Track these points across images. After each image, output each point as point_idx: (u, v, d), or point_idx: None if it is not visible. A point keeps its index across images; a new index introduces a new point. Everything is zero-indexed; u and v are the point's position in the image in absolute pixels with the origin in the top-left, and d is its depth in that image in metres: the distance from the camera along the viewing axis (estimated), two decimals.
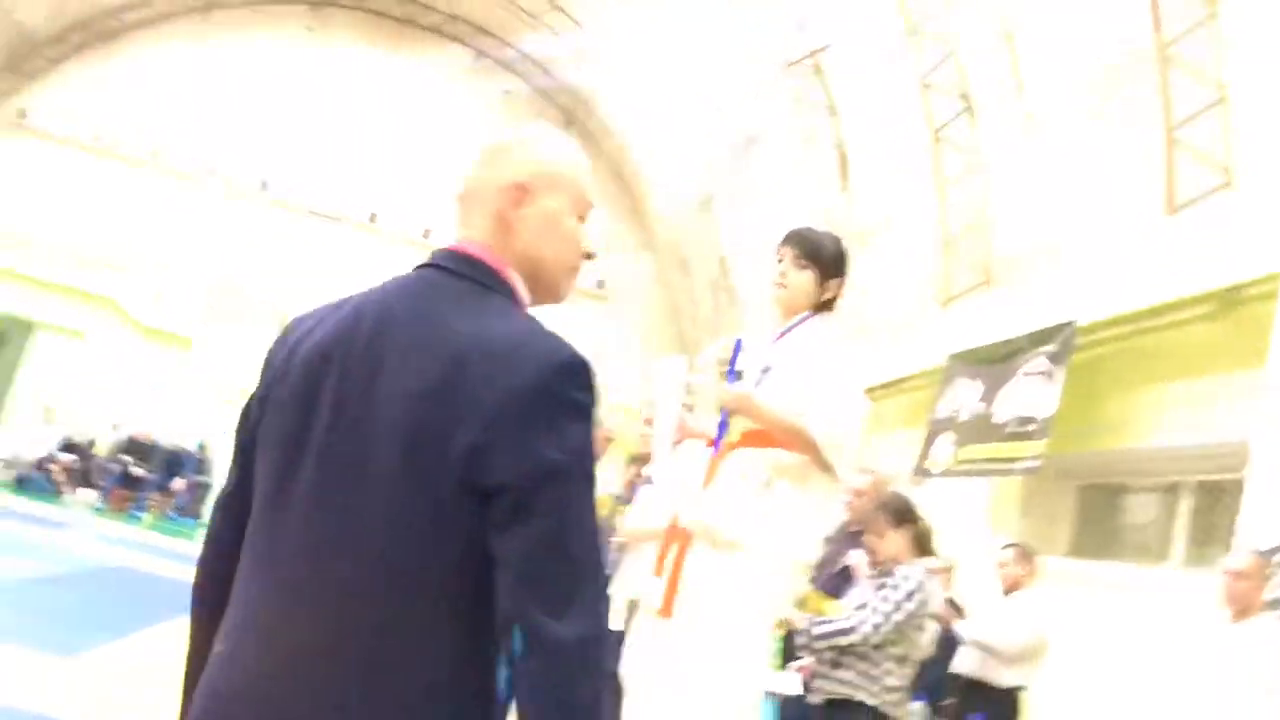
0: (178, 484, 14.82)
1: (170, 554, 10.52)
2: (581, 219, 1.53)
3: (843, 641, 3.78)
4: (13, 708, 4.26)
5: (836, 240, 3.09)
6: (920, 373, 9.23)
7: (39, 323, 18.75)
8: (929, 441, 8.30)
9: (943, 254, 9.38)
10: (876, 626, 3.76)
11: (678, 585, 2.83)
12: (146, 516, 14.00)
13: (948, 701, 5.52)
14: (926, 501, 8.78)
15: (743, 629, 2.76)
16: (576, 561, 1.30)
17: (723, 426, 2.96)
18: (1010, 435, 7.00)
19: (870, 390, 10.50)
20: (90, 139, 18.85)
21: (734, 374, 2.96)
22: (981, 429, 7.44)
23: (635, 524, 3.78)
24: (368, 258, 18.73)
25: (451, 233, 1.53)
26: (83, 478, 14.05)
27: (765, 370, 2.92)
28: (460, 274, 1.45)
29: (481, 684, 1.33)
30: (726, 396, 2.89)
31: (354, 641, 1.30)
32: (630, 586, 3.18)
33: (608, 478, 5.19)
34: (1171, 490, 6.40)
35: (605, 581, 1.52)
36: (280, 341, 1.50)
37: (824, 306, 2.98)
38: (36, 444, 14.10)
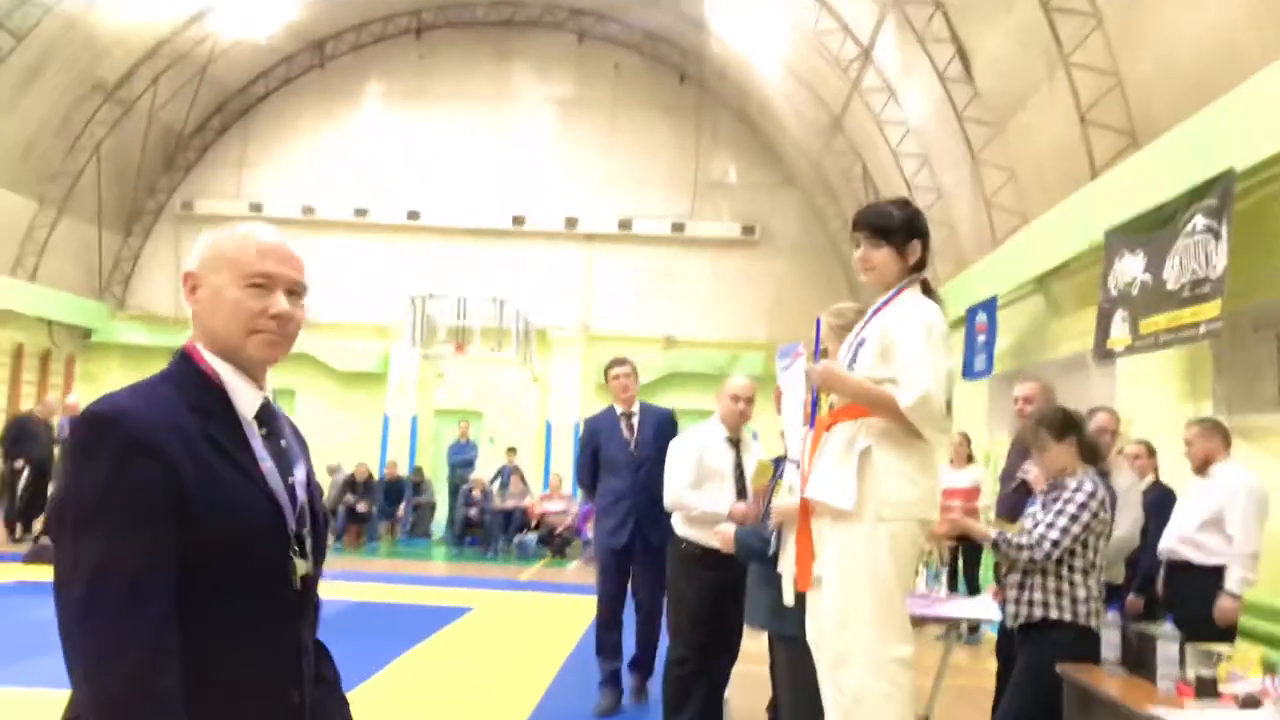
0: (401, 510, 15.81)
1: (404, 578, 11.31)
2: (256, 286, 1.72)
3: (1023, 559, 3.79)
4: None
5: (903, 203, 3.15)
6: (1084, 251, 8.86)
7: None
8: (1103, 321, 7.99)
9: (1080, 126, 8.93)
10: (1055, 544, 3.74)
11: (808, 559, 2.94)
12: (380, 545, 15.02)
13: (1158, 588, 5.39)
14: (1116, 383, 8.52)
15: (869, 595, 2.83)
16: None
17: (814, 404, 3.05)
18: (1186, 300, 6.66)
19: (1040, 276, 10.17)
20: (249, 210, 20.12)
21: (819, 352, 3.07)
22: (1155, 299, 7.10)
23: (779, 503, 3.89)
24: (515, 261, 19.38)
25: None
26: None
27: (860, 344, 2.99)
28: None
29: None
30: (812, 374, 3.00)
31: None
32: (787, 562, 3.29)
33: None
34: None
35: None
36: None
37: (915, 269, 3.04)
38: None
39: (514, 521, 14.83)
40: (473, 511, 15.12)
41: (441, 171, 19.72)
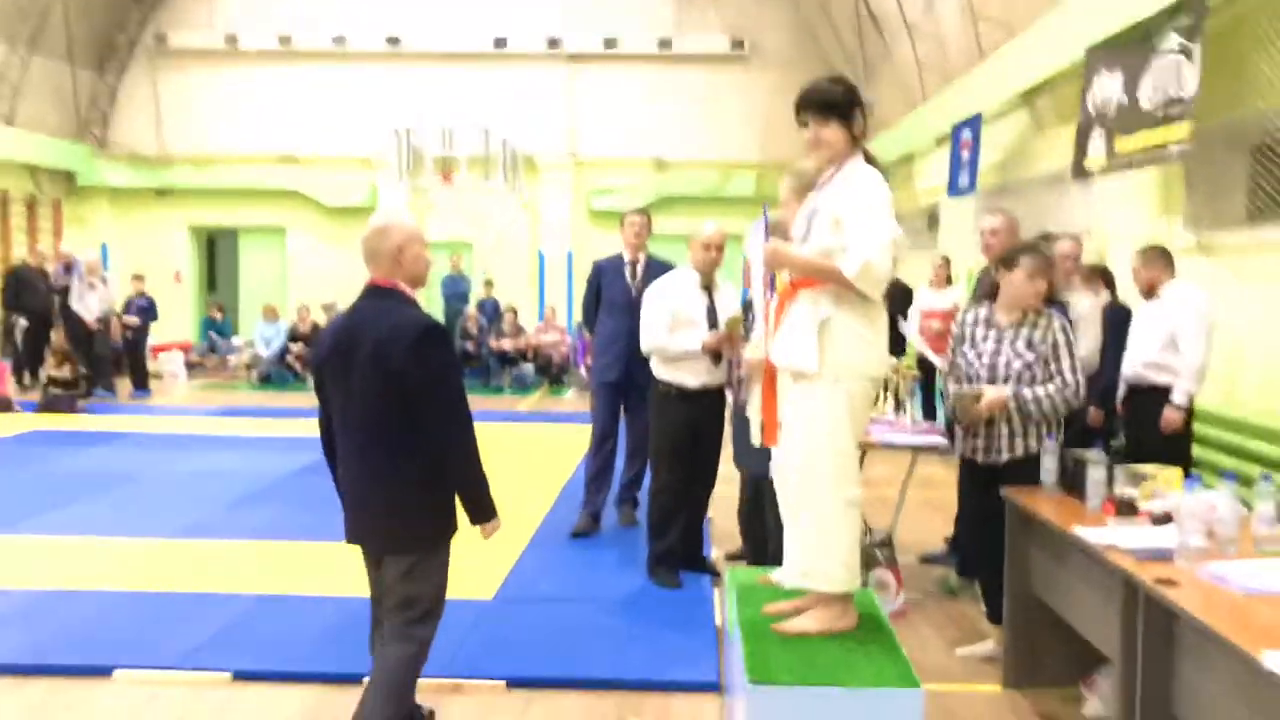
0: None
1: None
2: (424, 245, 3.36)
3: (1068, 407, 4.25)
4: (291, 594, 5.15)
5: (839, 79, 3.27)
6: (1067, 67, 8.78)
7: (243, 228, 20.35)
8: (1081, 140, 8.00)
9: None
10: (1079, 384, 4.19)
11: (774, 415, 3.18)
12: None
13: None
14: (1093, 200, 8.60)
15: (828, 447, 3.07)
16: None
17: (773, 276, 3.24)
18: (1159, 120, 6.68)
19: (1024, 92, 10.10)
20: (224, 43, 19.62)
21: (767, 233, 3.24)
22: (1130, 118, 7.10)
23: (748, 355, 4.16)
24: (499, 87, 19.02)
25: None
26: None
27: (814, 214, 3.16)
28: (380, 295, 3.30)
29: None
30: (764, 253, 3.18)
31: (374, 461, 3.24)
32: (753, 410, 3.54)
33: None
34: None
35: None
36: (322, 336, 3.51)
37: (857, 140, 3.18)
38: (268, 340, 15.59)
39: (509, 355, 15.15)
40: (469, 345, 15.43)
41: None
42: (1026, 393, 4.16)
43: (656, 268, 6.12)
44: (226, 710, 3.94)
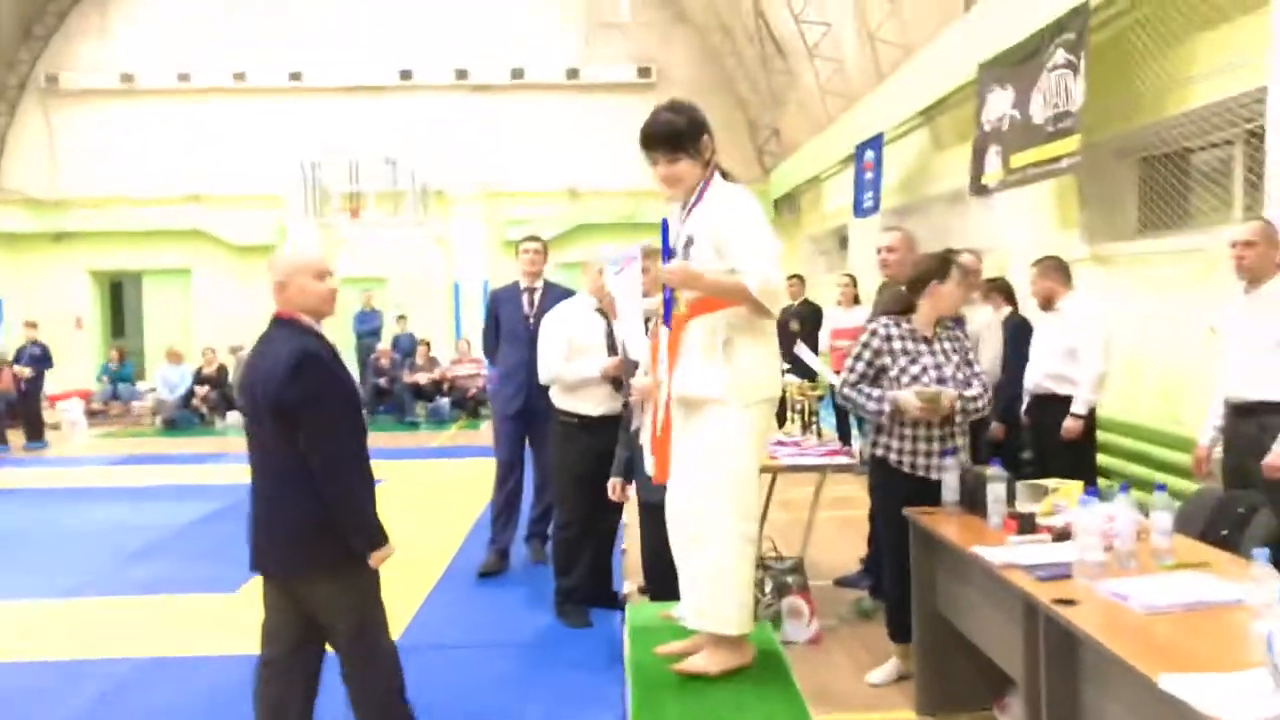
0: None
1: None
2: (319, 278, 3.30)
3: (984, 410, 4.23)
4: (179, 656, 4.87)
5: (679, 106, 3.13)
6: (963, 84, 8.90)
7: (147, 270, 19.76)
8: (978, 157, 8.09)
9: None
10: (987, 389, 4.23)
11: (666, 450, 3.09)
12: None
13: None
14: (993, 216, 8.70)
15: (730, 478, 2.97)
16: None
17: (668, 303, 3.13)
18: (1050, 135, 6.76)
19: (923, 111, 10.22)
20: (119, 82, 19.11)
21: (668, 253, 3.13)
22: (1023, 134, 7.19)
23: (637, 382, 4.05)
24: (406, 119, 18.79)
25: None
26: (224, 403, 15.05)
27: (688, 244, 3.07)
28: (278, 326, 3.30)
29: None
30: (667, 274, 3.05)
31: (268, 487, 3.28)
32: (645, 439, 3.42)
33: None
34: (1225, 146, 6.15)
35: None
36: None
37: (709, 165, 3.11)
38: (173, 385, 15.09)
39: (424, 390, 14.87)
40: (382, 381, 15.11)
41: (322, 28, 18.82)
42: (968, 393, 4.11)
43: (555, 295, 5.98)
44: None
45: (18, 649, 5.01)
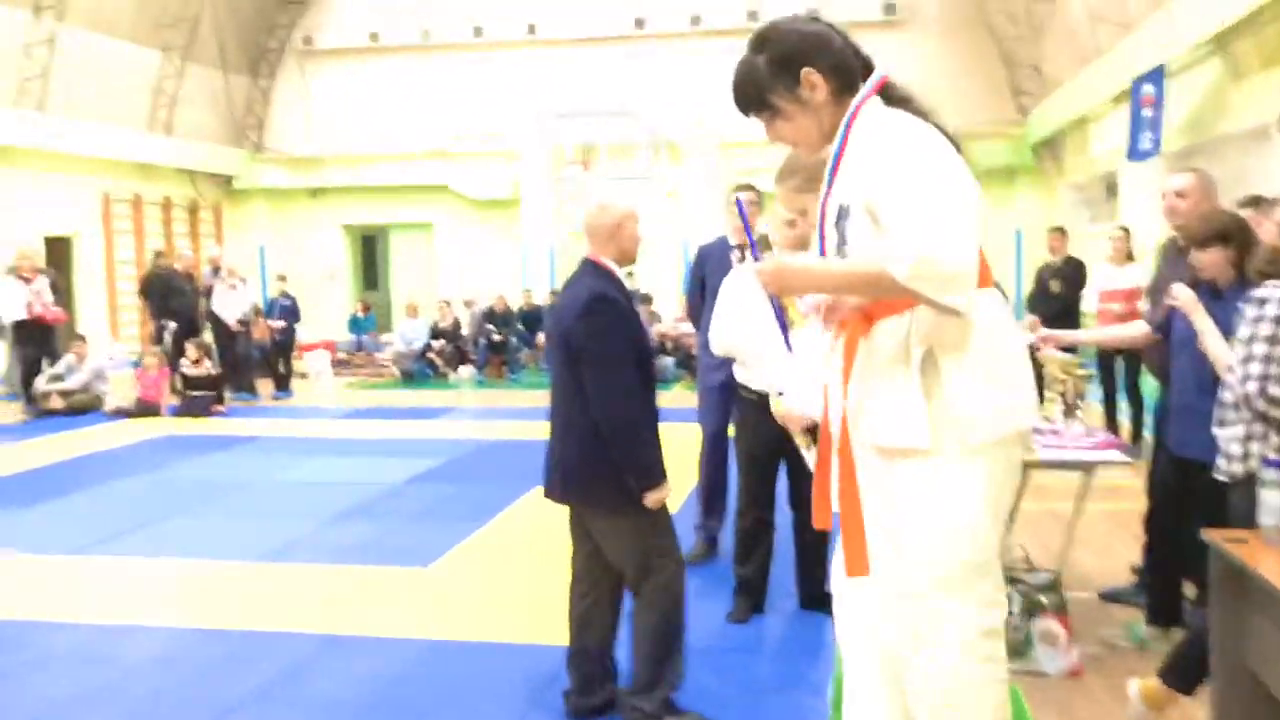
0: (540, 339, 15.73)
1: (540, 413, 11.21)
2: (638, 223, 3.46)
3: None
4: (359, 636, 4.60)
5: (765, 39, 2.21)
6: (1266, 2, 7.45)
7: (394, 225, 20.46)
8: None
9: None
10: (1259, 388, 3.20)
11: (826, 496, 2.26)
12: (523, 376, 15.07)
13: None
14: None
15: (957, 555, 2.11)
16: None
17: (779, 313, 2.38)
18: None
19: (1216, 36, 8.73)
20: (368, 40, 19.68)
21: (755, 246, 2.45)
22: None
23: (778, 410, 3.57)
24: (639, 69, 18.35)
25: None
26: (458, 357, 15.27)
27: (840, 217, 2.18)
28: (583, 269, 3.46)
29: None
30: (762, 278, 2.17)
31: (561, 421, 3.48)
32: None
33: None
34: None
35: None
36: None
37: (841, 88, 2.18)
38: (409, 338, 15.45)
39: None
40: None
41: None
42: None
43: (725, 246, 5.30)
44: None
45: (213, 615, 4.91)
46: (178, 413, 11.33)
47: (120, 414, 11.34)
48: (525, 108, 18.04)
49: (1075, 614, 4.26)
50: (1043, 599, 4.10)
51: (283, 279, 15.00)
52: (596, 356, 3.27)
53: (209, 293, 13.26)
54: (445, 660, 4.27)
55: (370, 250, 21.18)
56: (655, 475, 3.32)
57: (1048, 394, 4.61)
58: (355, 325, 17.07)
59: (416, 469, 8.23)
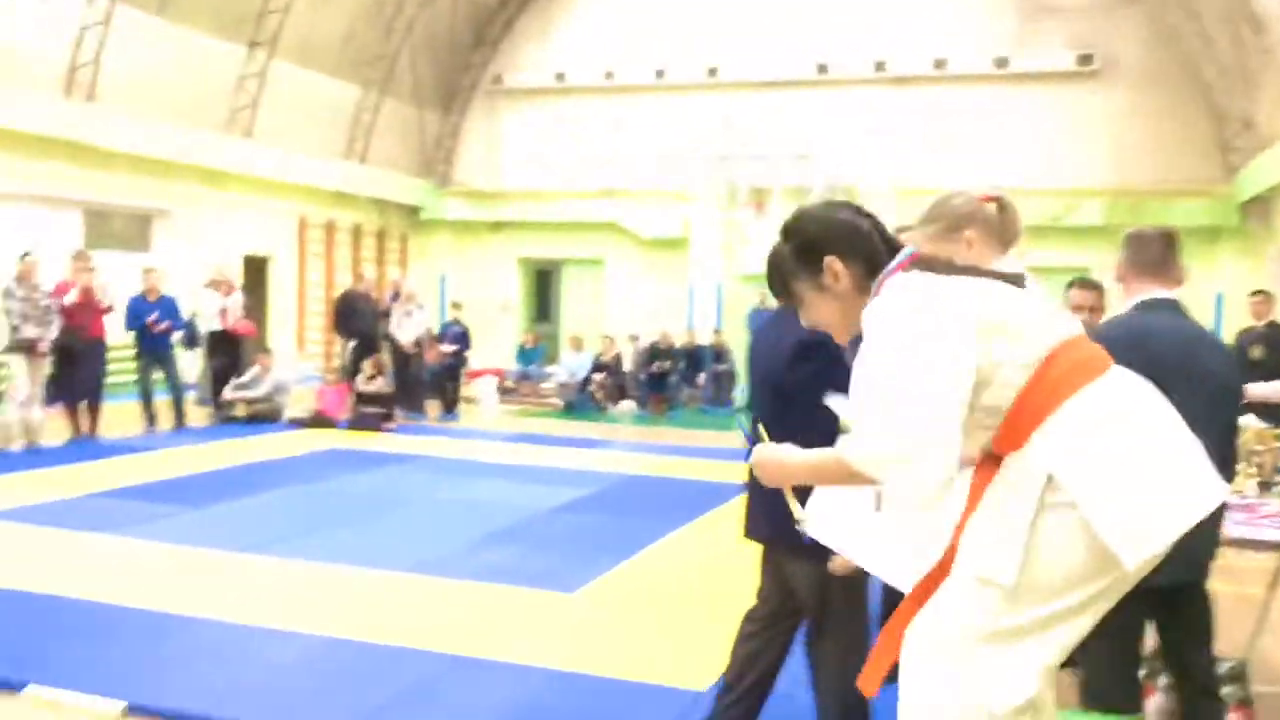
0: (701, 378, 15.68)
1: (697, 451, 11.13)
2: None
3: None
4: (493, 660, 4.57)
5: (798, 225, 2.22)
6: None
7: (567, 260, 20.89)
8: None
9: None
10: None
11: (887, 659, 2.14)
12: (682, 413, 15.02)
13: None
14: None
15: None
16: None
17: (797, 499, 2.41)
18: None
19: None
20: (554, 80, 20.24)
21: (749, 438, 2.46)
22: None
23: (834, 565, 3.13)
24: (820, 113, 18.21)
25: None
26: (619, 391, 15.36)
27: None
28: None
29: None
30: (758, 469, 2.26)
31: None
32: None
33: None
34: None
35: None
36: None
37: (865, 274, 2.10)
38: (573, 370, 15.65)
39: None
40: None
41: (740, 23, 18.77)
42: None
43: None
44: None
45: (357, 624, 4.98)
46: (350, 427, 11.77)
47: (297, 424, 11.86)
48: (701, 149, 18.17)
49: (1262, 709, 3.84)
50: (1227, 691, 3.71)
51: (457, 306, 15.48)
52: (808, 401, 3.05)
53: (388, 315, 13.79)
54: (577, 693, 4.19)
55: (544, 284, 21.67)
56: None
57: (1242, 466, 4.22)
58: (523, 355, 17.42)
59: (570, 496, 8.25)
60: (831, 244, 2.12)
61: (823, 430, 2.87)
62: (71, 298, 10.15)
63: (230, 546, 6.30)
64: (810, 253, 2.13)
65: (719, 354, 16.16)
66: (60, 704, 3.99)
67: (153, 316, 11.05)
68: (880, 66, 18.24)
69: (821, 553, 3.10)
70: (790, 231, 2.21)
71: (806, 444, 2.70)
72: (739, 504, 3.49)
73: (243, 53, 16.19)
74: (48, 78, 13.45)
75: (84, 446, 9.98)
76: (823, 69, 18.53)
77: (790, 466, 2.15)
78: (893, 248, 2.12)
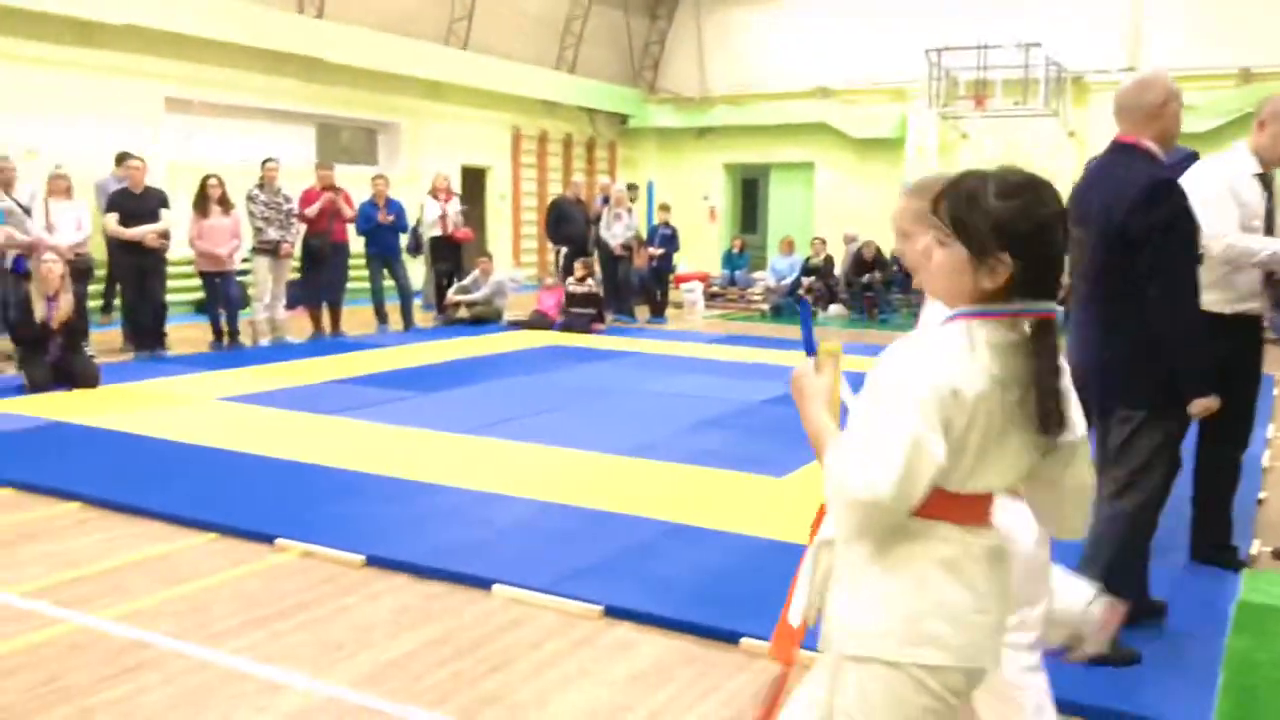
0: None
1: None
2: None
3: None
4: (705, 528, 4.65)
5: (1004, 189, 1.70)
6: None
7: (774, 164, 20.57)
8: None
9: None
10: None
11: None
12: (894, 318, 14.65)
13: None
14: None
15: None
16: None
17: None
18: None
19: None
20: None
21: (809, 343, 2.03)
22: None
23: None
24: None
25: None
26: (829, 295, 15.10)
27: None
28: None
29: None
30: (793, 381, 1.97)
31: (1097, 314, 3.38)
32: None
33: None
34: None
35: None
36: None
37: (998, 293, 1.70)
38: (781, 274, 15.47)
39: None
40: None
41: None
42: None
43: (1184, 158, 4.67)
44: (587, 644, 3.53)
45: (572, 493, 5.18)
46: (562, 328, 12.11)
47: (515, 325, 12.31)
48: (915, 42, 17.31)
49: None
50: None
51: (665, 209, 15.53)
52: (1159, 249, 3.09)
53: (598, 219, 14.02)
54: (790, 557, 4.21)
55: (750, 192, 21.43)
56: (1208, 383, 3.23)
57: None
58: (729, 261, 17.37)
59: (778, 391, 8.22)
60: (1026, 244, 1.67)
61: (1168, 289, 3.08)
62: (315, 208, 10.82)
63: (457, 429, 6.65)
64: (1005, 232, 1.67)
65: None
66: (311, 552, 4.34)
67: (381, 214, 11.59)
68: None
69: (1164, 407, 3.24)
70: (1019, 191, 1.70)
71: (1164, 292, 3.05)
72: None
73: None
74: None
75: (324, 344, 10.70)
76: None
77: (807, 413, 1.86)
78: (1052, 289, 1.75)
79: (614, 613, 3.73)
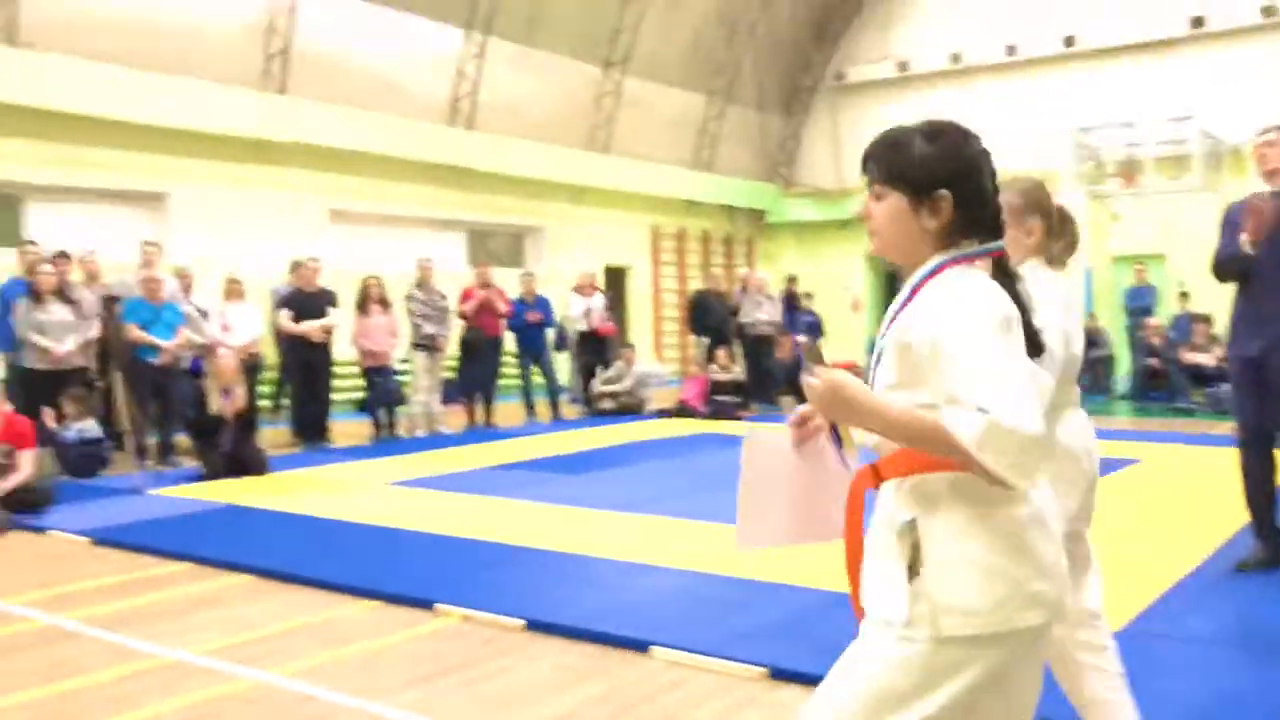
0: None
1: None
2: None
3: None
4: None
5: (931, 131, 1.83)
6: None
7: None
8: None
9: None
10: None
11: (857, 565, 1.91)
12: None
13: None
14: None
15: None
16: None
17: (836, 441, 2.00)
18: None
19: None
20: (896, 71, 19.86)
21: (800, 355, 1.86)
22: None
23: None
24: (1196, 71, 16.56)
25: None
26: None
27: (876, 361, 1.82)
28: None
29: None
30: (810, 393, 1.77)
31: None
32: None
33: None
34: None
35: None
36: None
37: (954, 233, 1.77)
38: None
39: (1204, 373, 12.87)
40: (1154, 361, 13.45)
41: None
42: None
43: None
44: (751, 704, 3.43)
45: (730, 566, 5.11)
46: (707, 416, 12.10)
47: (661, 414, 12.38)
48: (1058, 123, 17.05)
49: None
50: None
51: (809, 296, 15.50)
52: None
53: (737, 311, 14.09)
54: None
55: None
56: None
57: None
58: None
59: None
60: (959, 179, 1.78)
61: None
62: (473, 304, 11.28)
63: (606, 506, 6.69)
64: (935, 174, 1.79)
65: (1093, 339, 15.01)
66: (470, 617, 4.39)
67: (530, 312, 11.96)
68: (1269, 12, 16.32)
69: None
70: (938, 135, 1.83)
71: None
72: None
73: (598, 72, 17.22)
74: (433, 109, 15.01)
75: (477, 433, 10.98)
76: (1198, 22, 16.86)
77: (866, 408, 1.71)
78: (997, 226, 1.80)
79: (779, 675, 3.62)
